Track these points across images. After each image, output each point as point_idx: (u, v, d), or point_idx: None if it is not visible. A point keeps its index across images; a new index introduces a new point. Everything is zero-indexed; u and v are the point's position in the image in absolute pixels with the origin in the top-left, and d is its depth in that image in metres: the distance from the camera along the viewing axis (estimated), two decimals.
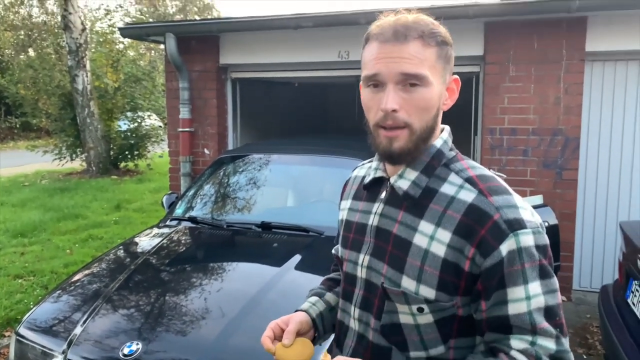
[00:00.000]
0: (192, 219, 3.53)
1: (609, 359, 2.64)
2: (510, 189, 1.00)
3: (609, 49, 4.31)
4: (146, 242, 3.30)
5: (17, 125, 19.13)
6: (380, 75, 0.98)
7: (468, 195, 0.97)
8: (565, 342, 0.93)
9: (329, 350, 1.18)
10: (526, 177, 4.50)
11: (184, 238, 3.32)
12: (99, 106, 11.50)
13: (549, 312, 0.92)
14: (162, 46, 5.73)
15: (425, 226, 0.98)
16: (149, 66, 14.11)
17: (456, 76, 1.06)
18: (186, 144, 5.38)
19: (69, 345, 2.21)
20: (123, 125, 12.17)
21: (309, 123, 8.31)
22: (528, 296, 0.91)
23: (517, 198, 0.97)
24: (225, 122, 5.57)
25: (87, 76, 11.01)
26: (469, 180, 0.99)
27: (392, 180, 1.06)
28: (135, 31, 5.65)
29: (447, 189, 1.00)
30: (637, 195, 4.44)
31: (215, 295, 2.58)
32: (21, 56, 18.91)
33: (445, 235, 0.96)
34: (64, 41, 11.59)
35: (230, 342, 2.20)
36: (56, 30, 13.59)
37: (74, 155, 11.77)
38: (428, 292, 0.97)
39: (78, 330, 2.30)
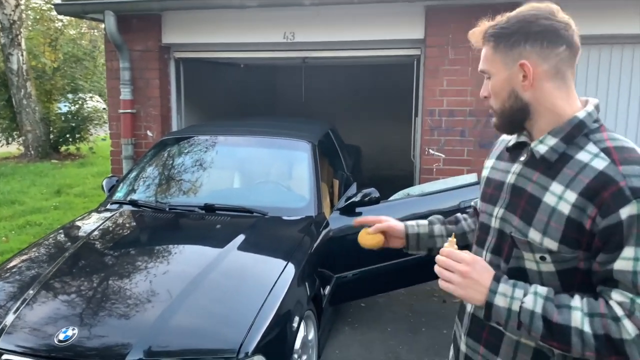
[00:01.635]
0: (133, 202, 3.48)
1: None
2: None
3: None
4: (85, 226, 3.23)
5: None
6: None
7: (600, 164, 1.07)
8: None
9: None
10: (463, 156, 4.68)
11: (124, 221, 3.27)
12: (37, 87, 10.95)
13: None
14: (103, 25, 5.52)
15: (556, 187, 1.11)
16: (90, 45, 13.54)
17: (523, 61, 1.14)
18: (128, 126, 5.25)
19: (0, 334, 2.16)
20: (63, 107, 11.66)
21: (256, 105, 8.26)
22: (637, 257, 1.01)
23: None
24: (168, 104, 5.46)
25: (22, 55, 10.45)
26: (605, 150, 1.09)
27: (532, 144, 1.19)
28: (72, 8, 5.40)
29: (582, 156, 1.11)
30: None
31: (155, 277, 2.58)
32: None
33: (572, 195, 1.08)
34: None
35: (170, 323, 2.21)
36: None
37: (10, 139, 11.19)
38: (551, 244, 1.10)
39: (10, 318, 2.24)
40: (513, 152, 1.28)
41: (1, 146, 11.08)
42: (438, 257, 1.17)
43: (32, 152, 10.64)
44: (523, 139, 1.25)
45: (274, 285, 2.50)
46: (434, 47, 4.63)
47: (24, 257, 2.84)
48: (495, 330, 1.21)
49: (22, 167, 9.68)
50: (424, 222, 1.53)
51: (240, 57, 5.53)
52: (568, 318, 1.04)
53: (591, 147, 1.11)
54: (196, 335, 2.19)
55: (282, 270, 2.64)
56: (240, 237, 2.93)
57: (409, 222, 1.52)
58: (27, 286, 2.47)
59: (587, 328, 1.03)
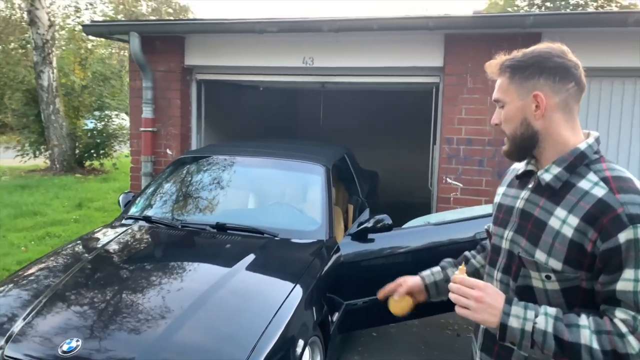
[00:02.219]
0: (147, 219, 3.52)
1: None
2: None
3: None
4: (98, 239, 3.27)
5: None
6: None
7: (599, 192, 1.17)
8: None
9: None
10: (481, 186, 4.63)
11: (136, 237, 3.31)
12: (65, 104, 11.28)
13: None
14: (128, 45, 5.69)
15: (560, 212, 1.21)
16: (118, 65, 13.93)
17: (538, 92, 1.26)
18: (148, 143, 5.35)
19: (7, 341, 2.19)
20: (90, 123, 11.97)
21: (275, 127, 8.35)
22: (637, 279, 1.10)
23: None
24: (189, 123, 5.56)
25: (52, 73, 10.81)
26: (604, 179, 1.19)
27: (539, 173, 1.30)
28: (99, 29, 5.60)
29: (583, 184, 1.21)
30: None
31: (162, 293, 2.59)
32: None
33: (574, 220, 1.18)
34: (30, 37, 11.36)
35: (174, 339, 2.20)
36: (23, 25, 13.27)
37: (37, 152, 11.50)
38: (556, 264, 1.20)
39: (18, 326, 2.27)
40: (522, 179, 1.38)
41: (29, 159, 11.39)
42: (451, 285, 1.25)
43: (58, 165, 10.90)
44: (531, 167, 1.36)
45: (280, 307, 2.48)
46: (453, 75, 4.65)
47: (36, 267, 2.88)
48: (506, 345, 1.27)
49: (47, 180, 9.91)
50: (437, 268, 1.63)
51: (260, 80, 5.62)
52: (578, 336, 1.12)
53: (592, 176, 1.21)
54: (199, 352, 2.18)
55: (289, 293, 2.62)
56: (250, 257, 2.93)
57: (424, 273, 1.62)
58: (36, 296, 2.51)
59: (595, 345, 1.11)
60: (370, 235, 3.36)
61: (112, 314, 2.36)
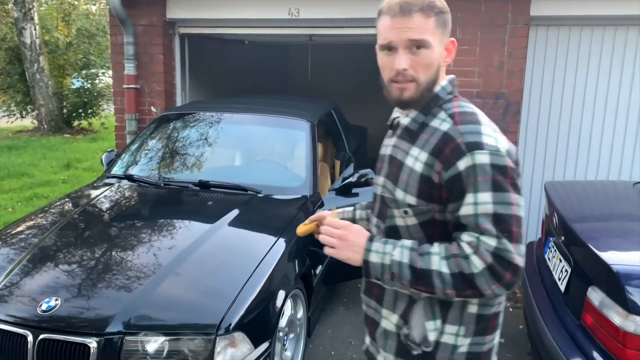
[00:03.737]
0: (130, 177, 3.48)
1: (526, 310, 2.79)
2: (483, 121, 1.24)
3: (553, 14, 4.36)
4: (79, 199, 3.25)
5: None
6: (392, 42, 1.25)
7: (445, 126, 1.23)
8: (508, 244, 1.13)
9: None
10: None
11: (119, 195, 3.28)
12: (50, 62, 11.01)
13: (497, 219, 1.14)
14: None
15: (414, 150, 1.27)
16: (104, 21, 13.51)
17: (453, 38, 1.30)
18: (132, 101, 5.24)
19: None
20: (76, 82, 11.72)
21: (261, 83, 8.19)
22: (476, 202, 1.15)
23: (485, 128, 1.21)
24: (173, 80, 5.42)
25: (35, 29, 10.49)
26: (451, 115, 1.25)
27: (400, 118, 1.36)
28: None
29: (435, 122, 1.26)
30: (572, 157, 4.61)
31: (143, 250, 2.58)
32: None
33: (424, 155, 1.24)
34: None
35: (153, 297, 2.21)
36: None
37: (24, 113, 11.32)
38: (410, 199, 1.26)
39: None
40: (393, 128, 1.42)
41: (16, 119, 11.22)
42: (321, 228, 1.32)
43: (45, 126, 10.75)
44: (396, 115, 1.40)
45: (261, 261, 2.49)
46: None
47: (16, 227, 2.87)
48: (378, 283, 1.35)
49: (34, 140, 9.79)
50: (350, 208, 1.67)
51: (244, 33, 5.45)
52: (429, 262, 1.17)
53: (442, 115, 1.27)
54: (178, 309, 2.19)
55: (271, 247, 2.63)
56: (232, 214, 2.93)
57: (339, 209, 1.66)
58: (15, 256, 2.50)
59: (444, 269, 1.16)
60: (354, 190, 3.34)
61: (92, 273, 2.36)
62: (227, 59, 6.97)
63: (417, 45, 1.22)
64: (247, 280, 2.35)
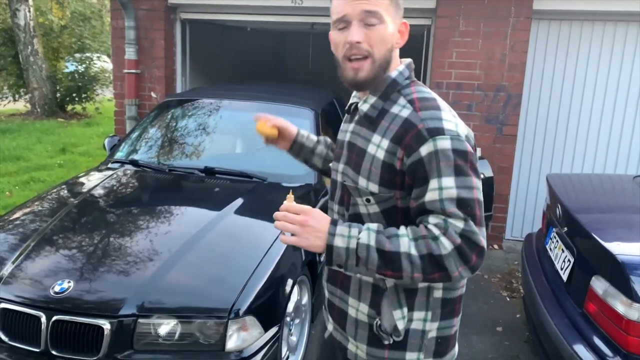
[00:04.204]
0: (134, 162, 3.48)
1: (526, 299, 2.85)
2: (443, 106, 1.23)
3: (555, 8, 4.40)
4: (85, 183, 3.25)
5: None
6: (347, 16, 1.23)
7: (405, 113, 1.23)
8: (474, 226, 1.15)
9: None
10: None
11: (124, 180, 3.29)
12: (44, 45, 10.87)
13: (461, 202, 1.15)
14: None
15: (376, 138, 1.26)
16: (98, 4, 13.35)
17: (405, 21, 1.29)
18: (132, 86, 5.22)
19: None
20: (70, 66, 11.59)
21: (262, 70, 8.17)
22: (440, 187, 1.15)
23: (445, 114, 1.21)
24: (173, 65, 5.41)
25: (29, 11, 10.34)
26: (411, 101, 1.24)
27: (359, 104, 1.33)
28: None
29: (395, 109, 1.26)
30: (570, 149, 4.67)
31: (152, 236, 2.60)
32: None
33: (385, 143, 1.23)
34: None
35: (164, 281, 2.24)
36: None
37: (17, 96, 11.19)
38: (373, 187, 1.25)
39: (8, 268, 2.28)
40: (352, 113, 1.40)
41: (8, 102, 11.09)
42: (277, 213, 1.21)
43: (39, 109, 10.65)
44: (355, 100, 1.38)
45: (269, 249, 2.52)
46: (445, 17, 4.54)
47: (24, 210, 2.87)
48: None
49: (28, 124, 9.70)
50: (314, 137, 1.65)
51: (247, 20, 5.43)
52: (397, 245, 1.14)
53: (401, 100, 1.26)
54: (189, 293, 2.22)
55: (278, 235, 2.65)
56: (238, 201, 2.95)
57: (302, 131, 1.63)
58: (25, 239, 2.51)
59: (413, 251, 1.13)
60: None
61: (102, 257, 2.37)
62: (227, 45, 6.95)
63: (371, 19, 1.21)
64: (257, 266, 2.38)
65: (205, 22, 5.63)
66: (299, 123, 3.69)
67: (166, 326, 2.11)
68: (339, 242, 1.17)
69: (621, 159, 4.61)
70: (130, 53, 5.17)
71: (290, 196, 1.24)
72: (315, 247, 1.18)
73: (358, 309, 1.33)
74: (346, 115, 1.45)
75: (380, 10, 1.21)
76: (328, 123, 4.63)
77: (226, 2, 5.05)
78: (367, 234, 1.16)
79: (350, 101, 1.40)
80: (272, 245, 2.55)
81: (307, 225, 1.17)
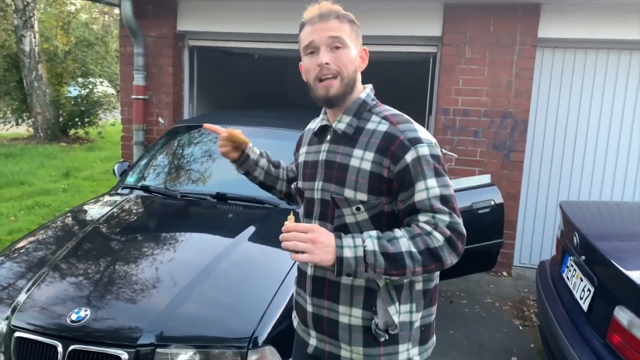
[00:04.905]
0: (145, 188, 3.48)
1: (543, 329, 2.82)
2: (411, 120, 1.43)
3: (559, 37, 4.47)
4: (96, 209, 3.23)
5: None
6: (314, 42, 1.40)
7: (384, 127, 1.40)
8: (457, 217, 1.33)
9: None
10: (476, 157, 4.65)
11: (135, 207, 3.27)
12: (48, 70, 10.98)
13: (444, 199, 1.33)
14: (117, 10, 5.51)
15: (358, 152, 1.40)
16: (102, 31, 13.52)
17: (365, 47, 1.48)
18: (140, 112, 5.25)
19: (13, 312, 2.17)
20: (73, 90, 11.67)
21: (267, 96, 8.24)
22: (427, 188, 1.32)
23: (417, 125, 1.41)
24: (181, 91, 5.45)
25: (34, 37, 10.47)
26: (385, 118, 1.43)
27: (334, 125, 1.47)
28: None
29: (370, 125, 1.43)
30: (577, 176, 4.69)
31: (166, 264, 2.57)
32: None
33: (370, 155, 1.38)
34: None
35: (180, 310, 2.20)
36: None
37: (19, 120, 11.23)
38: (361, 196, 1.38)
39: (22, 297, 2.25)
40: (319, 135, 1.54)
41: (11, 127, 11.13)
42: (285, 235, 1.28)
43: (41, 134, 10.68)
44: (324, 122, 1.52)
45: (285, 277, 2.49)
46: (451, 45, 4.60)
47: (35, 237, 2.85)
48: (334, 282, 1.44)
49: (31, 148, 9.71)
50: (258, 150, 1.79)
51: (254, 47, 5.50)
52: (399, 246, 1.27)
53: (375, 118, 1.44)
54: (207, 322, 2.18)
55: (294, 263, 2.63)
56: (251, 228, 2.92)
57: (253, 146, 1.77)
58: (38, 267, 2.48)
59: (413, 248, 1.27)
60: None
61: (118, 285, 2.34)
62: (233, 71, 7.02)
63: (336, 44, 1.39)
64: (274, 295, 2.35)
65: (212, 49, 5.70)
66: None
67: (184, 356, 2.06)
68: (347, 253, 1.27)
69: (628, 185, 4.62)
70: (138, 79, 5.21)
71: (292, 217, 1.32)
72: (326, 261, 1.27)
73: (351, 315, 1.42)
74: (312, 137, 1.58)
75: (344, 36, 1.40)
76: None
77: (234, 29, 5.12)
78: (371, 241, 1.28)
79: (318, 125, 1.54)
80: (288, 273, 2.53)
81: (318, 241, 1.25)
